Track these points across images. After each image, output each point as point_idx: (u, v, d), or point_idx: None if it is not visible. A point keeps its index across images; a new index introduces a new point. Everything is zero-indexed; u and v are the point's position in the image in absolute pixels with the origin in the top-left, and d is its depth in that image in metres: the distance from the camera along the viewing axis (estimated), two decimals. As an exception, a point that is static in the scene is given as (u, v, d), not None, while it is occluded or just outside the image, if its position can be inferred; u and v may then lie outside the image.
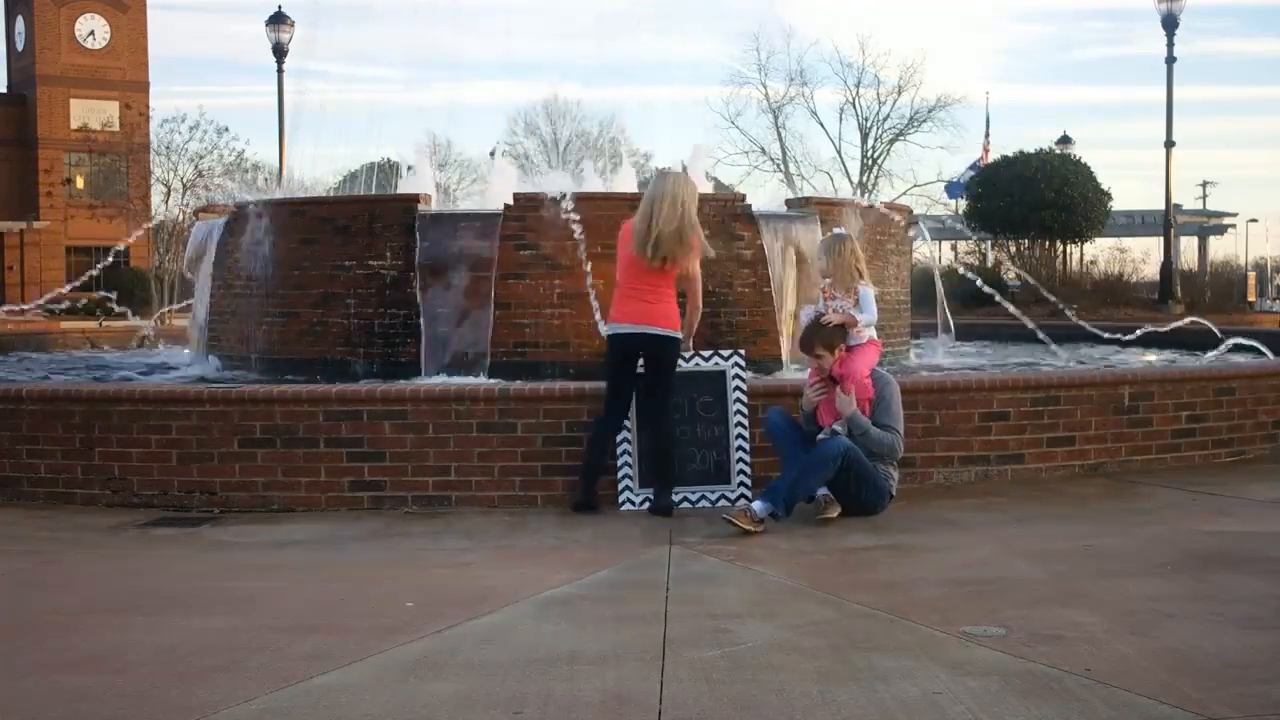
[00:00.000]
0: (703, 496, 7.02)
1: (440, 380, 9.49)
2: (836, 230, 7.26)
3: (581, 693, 3.82)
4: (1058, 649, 4.20)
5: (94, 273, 16.09)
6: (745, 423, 7.10)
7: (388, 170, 28.85)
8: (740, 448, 7.07)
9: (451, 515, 6.80)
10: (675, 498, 6.89)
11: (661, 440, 6.84)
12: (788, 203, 11.60)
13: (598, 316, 9.48)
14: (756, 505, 6.20)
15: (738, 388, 7.14)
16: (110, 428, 7.16)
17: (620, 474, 7.00)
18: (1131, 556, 5.64)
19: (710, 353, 7.33)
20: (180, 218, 36.08)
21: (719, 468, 7.06)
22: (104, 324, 21.80)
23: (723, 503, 6.91)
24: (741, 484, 7.02)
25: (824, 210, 11.25)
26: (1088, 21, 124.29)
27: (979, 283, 13.55)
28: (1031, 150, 31.69)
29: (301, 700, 3.81)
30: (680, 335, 6.87)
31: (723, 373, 7.18)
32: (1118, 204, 35.23)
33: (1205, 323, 14.13)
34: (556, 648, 4.29)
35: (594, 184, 14.07)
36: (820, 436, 6.52)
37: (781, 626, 4.52)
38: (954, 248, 51.79)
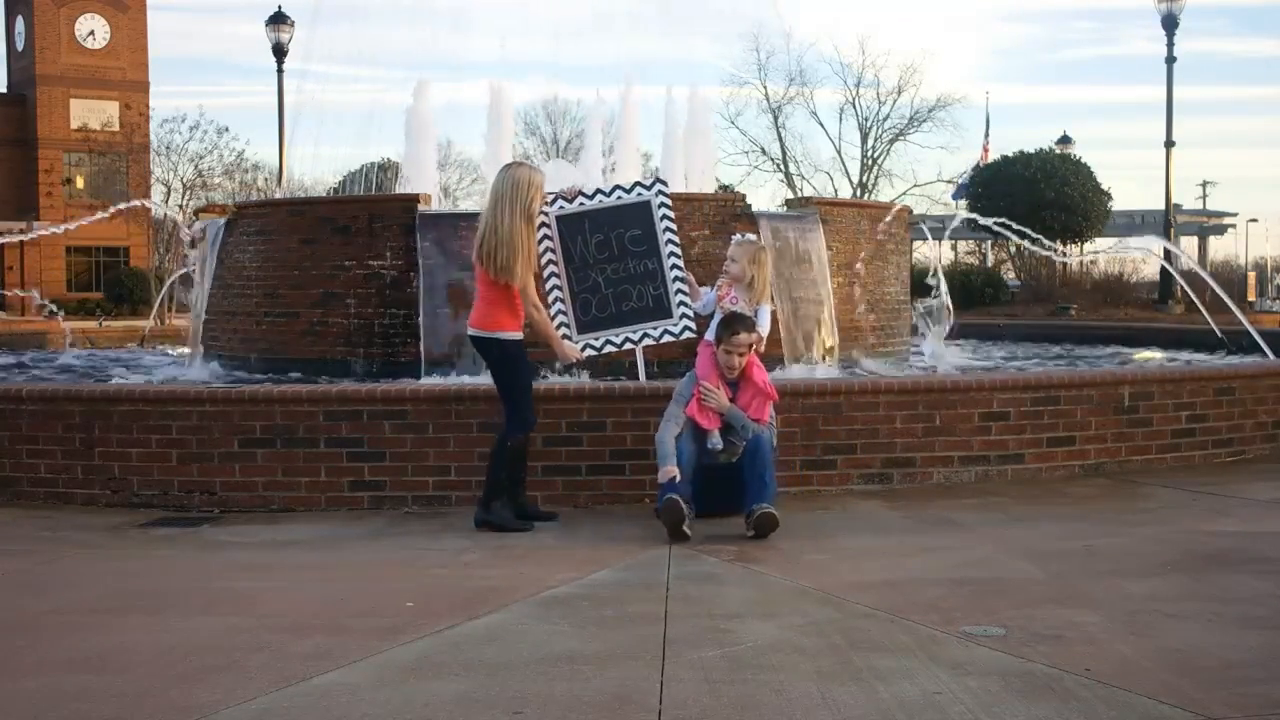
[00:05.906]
0: (645, 334, 6.73)
1: (440, 380, 9.48)
2: (750, 236, 6.85)
3: (582, 693, 3.82)
4: (1057, 649, 4.20)
5: None
6: (679, 251, 6.78)
7: (387, 170, 28.90)
8: (678, 278, 6.73)
9: (452, 515, 6.80)
10: (617, 339, 6.71)
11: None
12: (788, 202, 11.62)
13: None
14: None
15: (665, 216, 6.79)
16: (110, 428, 7.16)
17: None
18: (1131, 556, 5.64)
19: (631, 183, 6.98)
20: (180, 218, 36.03)
21: (658, 302, 6.75)
22: (104, 324, 21.81)
23: (666, 338, 6.66)
24: (684, 315, 6.68)
25: (825, 210, 11.28)
26: (1076, 21, 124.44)
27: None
28: (1031, 150, 31.73)
29: (301, 700, 3.81)
30: (493, 335, 6.51)
31: (648, 203, 6.80)
32: (1118, 204, 35.29)
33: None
34: (556, 648, 4.29)
35: (595, 183, 14.05)
36: (711, 444, 6.31)
37: (781, 626, 4.52)
38: (954, 247, 51.90)
